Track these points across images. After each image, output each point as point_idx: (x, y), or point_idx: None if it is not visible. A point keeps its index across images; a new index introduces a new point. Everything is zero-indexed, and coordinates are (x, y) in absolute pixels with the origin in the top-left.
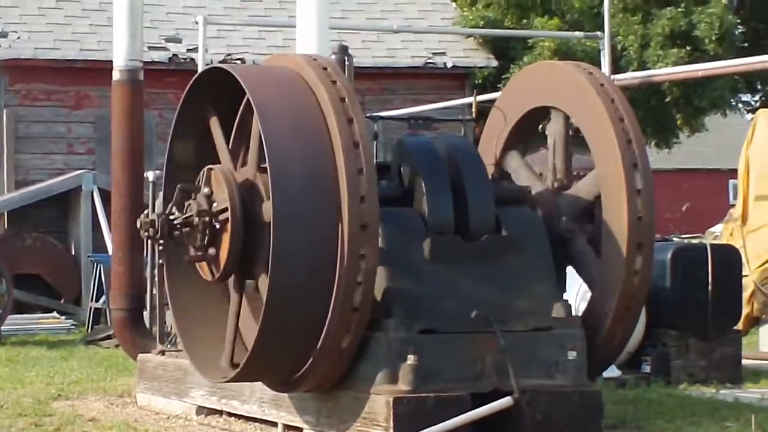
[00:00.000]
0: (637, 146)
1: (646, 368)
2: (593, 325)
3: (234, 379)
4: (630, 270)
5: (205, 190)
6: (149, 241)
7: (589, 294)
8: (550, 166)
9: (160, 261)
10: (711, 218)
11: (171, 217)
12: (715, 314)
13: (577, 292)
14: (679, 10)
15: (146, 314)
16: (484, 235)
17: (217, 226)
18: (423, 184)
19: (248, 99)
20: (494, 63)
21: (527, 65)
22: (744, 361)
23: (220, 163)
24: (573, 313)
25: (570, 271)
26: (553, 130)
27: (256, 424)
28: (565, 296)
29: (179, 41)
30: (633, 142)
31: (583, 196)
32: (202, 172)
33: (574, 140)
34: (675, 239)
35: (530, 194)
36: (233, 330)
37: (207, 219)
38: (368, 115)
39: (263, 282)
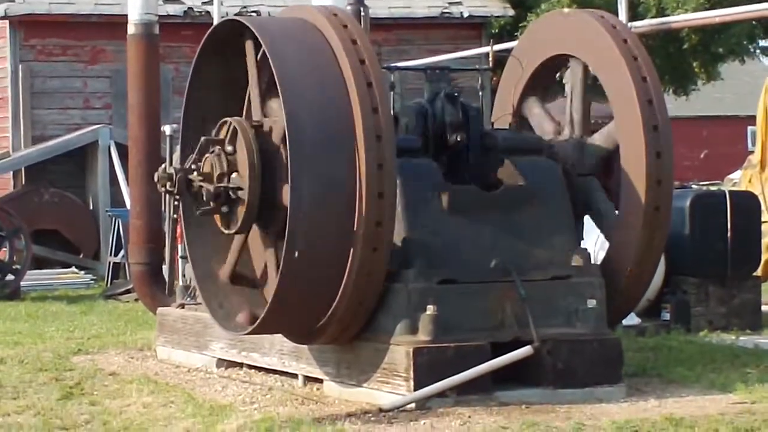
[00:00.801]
0: (655, 96)
1: (666, 316)
2: (612, 273)
3: (254, 332)
4: (649, 218)
5: (224, 145)
6: (167, 195)
7: (608, 243)
8: (568, 115)
9: (175, 215)
10: (729, 165)
11: (189, 171)
12: (735, 261)
13: (596, 241)
14: None
15: (165, 268)
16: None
17: (235, 176)
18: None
19: (264, 51)
20: (511, 12)
21: (544, 13)
22: (764, 308)
23: (239, 114)
24: (592, 262)
25: (587, 220)
26: (572, 79)
27: (277, 376)
28: (584, 245)
29: None
30: (653, 100)
31: (602, 145)
32: (218, 125)
33: (593, 89)
34: (694, 186)
35: (548, 144)
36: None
37: (225, 171)
38: (385, 66)
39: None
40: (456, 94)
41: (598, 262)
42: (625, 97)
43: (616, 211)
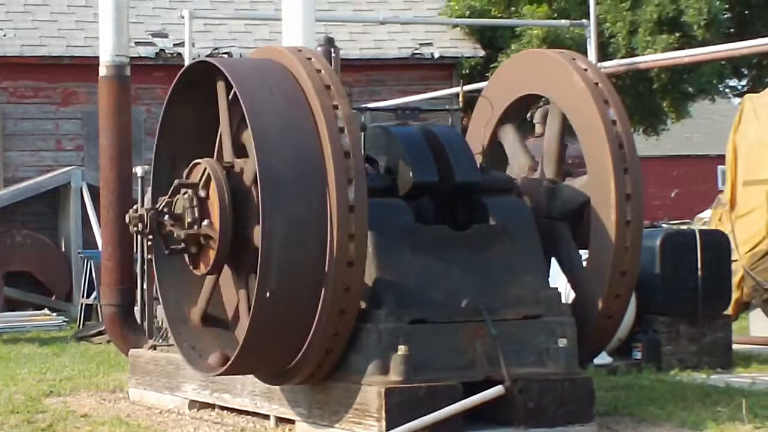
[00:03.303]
0: (623, 130)
1: (637, 355)
2: (584, 312)
3: (225, 373)
4: (618, 257)
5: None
6: (138, 236)
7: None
8: (542, 156)
9: (149, 256)
10: (700, 204)
11: (161, 213)
12: (705, 300)
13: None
14: None
15: (137, 309)
16: (469, 192)
17: (206, 222)
18: (404, 152)
19: (235, 92)
20: (481, 53)
21: (514, 54)
22: (734, 346)
23: (209, 155)
24: (563, 301)
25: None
26: (549, 121)
27: (249, 417)
28: (554, 284)
29: (165, 36)
30: (620, 129)
31: (576, 196)
32: (189, 167)
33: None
34: (664, 225)
35: (517, 183)
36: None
37: (196, 215)
38: (356, 106)
39: (253, 277)
40: None
41: (569, 302)
42: (597, 142)
43: (584, 257)
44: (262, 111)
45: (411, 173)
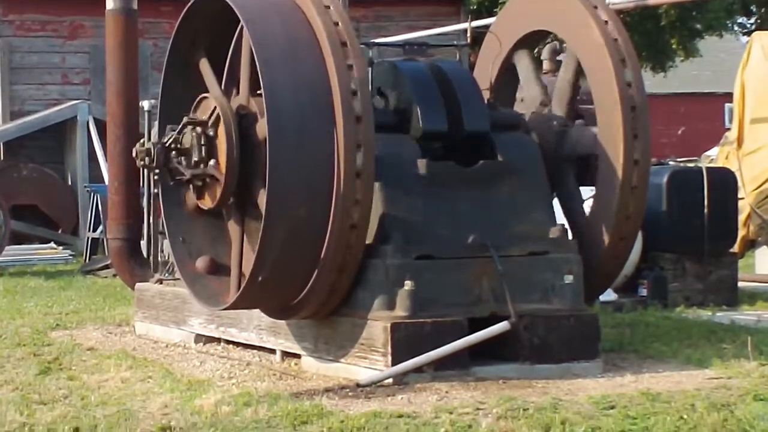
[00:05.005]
0: (634, 76)
1: (643, 292)
2: (590, 249)
3: (232, 307)
4: (626, 192)
5: (200, 116)
6: (145, 170)
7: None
8: (555, 95)
9: (155, 190)
10: (707, 142)
11: (166, 144)
12: (712, 237)
13: None
14: None
15: (143, 243)
16: (477, 136)
17: (214, 148)
18: (414, 95)
19: (241, 26)
20: None
21: None
22: (740, 284)
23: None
24: (569, 237)
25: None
26: (565, 66)
27: (255, 351)
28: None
29: None
30: (632, 80)
31: (588, 143)
32: (196, 101)
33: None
34: (671, 163)
35: (525, 120)
36: (238, 260)
37: (203, 141)
38: (363, 41)
39: (261, 208)
40: None
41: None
42: (604, 77)
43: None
44: (271, 50)
45: (421, 122)
